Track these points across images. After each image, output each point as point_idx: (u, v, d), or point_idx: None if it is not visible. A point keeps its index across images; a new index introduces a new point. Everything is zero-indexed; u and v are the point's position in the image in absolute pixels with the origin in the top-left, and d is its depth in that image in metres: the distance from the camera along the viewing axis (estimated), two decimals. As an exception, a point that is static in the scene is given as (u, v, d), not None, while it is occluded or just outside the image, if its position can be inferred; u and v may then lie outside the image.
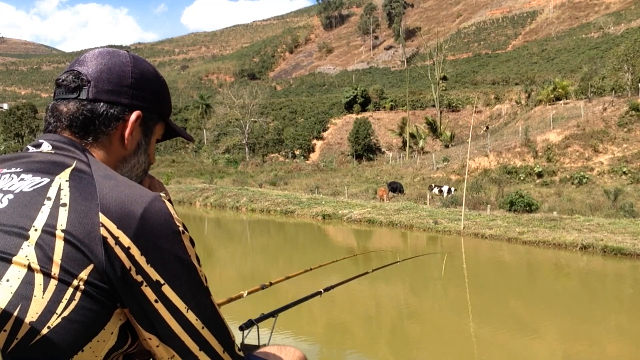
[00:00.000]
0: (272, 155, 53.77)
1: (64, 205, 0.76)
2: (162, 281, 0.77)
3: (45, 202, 0.77)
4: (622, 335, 7.56)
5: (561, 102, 39.59)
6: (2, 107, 68.70)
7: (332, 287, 1.83)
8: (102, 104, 0.90)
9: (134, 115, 0.91)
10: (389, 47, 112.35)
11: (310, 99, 69.44)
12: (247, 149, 53.46)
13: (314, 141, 54.86)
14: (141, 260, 0.76)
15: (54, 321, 0.72)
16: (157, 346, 0.79)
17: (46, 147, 0.87)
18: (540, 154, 29.10)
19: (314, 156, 52.40)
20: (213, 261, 14.26)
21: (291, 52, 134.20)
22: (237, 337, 1.53)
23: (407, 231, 17.62)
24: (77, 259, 0.74)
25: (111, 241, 0.75)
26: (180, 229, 0.80)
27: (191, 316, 0.79)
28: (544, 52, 78.68)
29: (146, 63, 0.97)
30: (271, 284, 1.81)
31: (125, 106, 0.91)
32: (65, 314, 0.72)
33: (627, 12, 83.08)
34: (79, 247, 0.74)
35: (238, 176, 38.96)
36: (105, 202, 0.77)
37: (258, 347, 1.44)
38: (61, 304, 0.72)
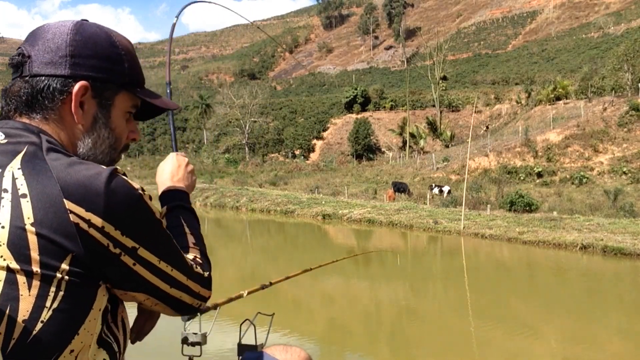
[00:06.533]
0: (272, 155, 53.72)
1: (24, 196, 0.75)
2: (137, 246, 0.81)
3: (3, 194, 0.75)
4: (622, 335, 7.56)
5: (561, 102, 39.58)
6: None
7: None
8: (43, 78, 0.85)
9: (77, 87, 0.85)
10: (389, 47, 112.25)
11: (310, 99, 69.40)
12: (247, 149, 53.42)
13: (314, 141, 54.82)
14: (116, 234, 0.78)
15: (45, 315, 0.73)
16: (133, 295, 0.85)
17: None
18: (540, 154, 29.09)
19: (314, 156, 52.37)
20: (213, 261, 14.12)
21: (291, 52, 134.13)
22: (235, 337, 1.53)
23: (407, 231, 17.61)
24: (55, 251, 0.74)
25: (84, 225, 0.75)
26: (140, 192, 0.82)
27: (162, 265, 0.85)
28: (544, 52, 78.63)
29: (97, 28, 0.90)
30: (271, 283, 1.80)
31: (67, 77, 0.85)
32: (55, 305, 0.74)
33: (627, 12, 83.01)
34: (53, 239, 0.74)
35: (238, 176, 38.95)
36: (66, 186, 0.76)
37: (255, 346, 1.44)
38: (49, 297, 0.73)
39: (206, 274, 0.96)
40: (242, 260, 14.56)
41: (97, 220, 0.76)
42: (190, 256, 0.96)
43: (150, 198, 0.85)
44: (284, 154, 53.75)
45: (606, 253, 12.55)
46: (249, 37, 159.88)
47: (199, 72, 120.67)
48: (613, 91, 34.75)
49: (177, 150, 1.24)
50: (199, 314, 1.42)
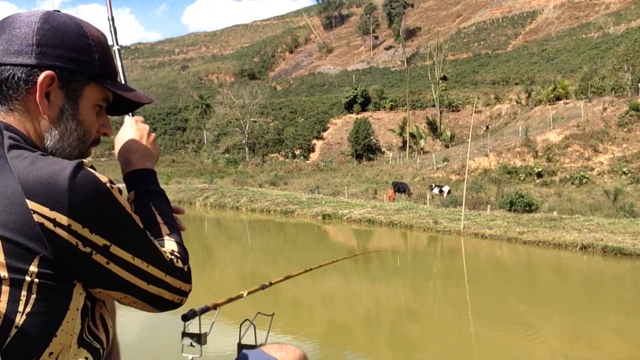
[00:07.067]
0: (272, 155, 53.74)
1: None
2: (108, 243, 0.78)
3: None
4: (622, 336, 7.56)
5: (561, 102, 39.58)
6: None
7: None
8: (7, 67, 0.82)
9: (42, 76, 0.82)
10: (389, 47, 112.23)
11: (310, 99, 69.38)
12: (247, 149, 53.44)
13: (314, 141, 54.83)
14: (85, 232, 0.75)
15: (19, 320, 0.72)
16: (108, 293, 0.83)
17: None
18: (540, 154, 29.10)
19: (314, 156, 52.36)
20: (213, 261, 14.26)
21: (291, 52, 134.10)
22: (234, 337, 1.53)
23: (407, 231, 17.62)
24: (21, 254, 0.72)
25: (49, 225, 0.72)
26: (108, 185, 0.78)
27: (137, 262, 0.82)
28: (544, 52, 78.60)
29: (67, 18, 0.88)
30: (271, 284, 1.80)
31: (33, 67, 0.82)
32: (28, 309, 0.72)
33: (627, 12, 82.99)
34: (18, 241, 0.72)
35: (238, 176, 38.95)
36: (27, 185, 0.73)
37: (255, 346, 1.44)
38: (21, 302, 0.72)
39: (186, 267, 0.92)
40: (242, 260, 14.55)
41: (62, 219, 0.73)
42: (168, 249, 0.91)
43: (120, 191, 0.82)
44: (284, 154, 53.76)
45: (606, 253, 12.55)
46: (249, 37, 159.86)
47: (199, 72, 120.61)
48: (613, 91, 34.76)
49: (133, 115, 1.09)
50: (198, 314, 1.42)
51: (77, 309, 0.77)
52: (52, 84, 0.84)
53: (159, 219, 0.96)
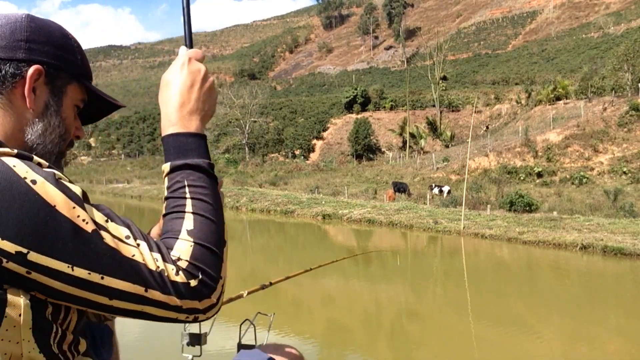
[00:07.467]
0: (272, 155, 53.72)
1: None
2: (24, 250, 0.65)
3: None
4: (622, 335, 7.56)
5: (561, 102, 39.59)
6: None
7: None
8: None
9: (31, 70, 0.81)
10: (389, 47, 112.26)
11: (310, 99, 69.41)
12: (247, 149, 53.43)
13: (314, 141, 54.82)
14: None
15: None
16: (57, 302, 0.71)
17: None
18: (540, 154, 29.11)
19: (314, 156, 52.35)
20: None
21: (291, 52, 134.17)
22: (234, 337, 1.53)
23: (407, 231, 17.62)
24: None
25: None
26: (29, 180, 0.67)
27: (81, 272, 0.67)
28: (544, 52, 78.64)
29: (49, 21, 0.89)
30: (271, 284, 1.80)
31: (22, 61, 0.82)
32: None
33: (627, 12, 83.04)
34: None
35: (238, 176, 38.95)
36: None
37: (254, 346, 1.44)
38: None
39: (194, 280, 0.72)
40: (242, 260, 14.55)
41: None
42: (175, 254, 0.73)
43: (60, 184, 0.70)
44: (284, 154, 53.74)
45: (606, 253, 12.55)
46: (249, 37, 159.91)
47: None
48: (613, 91, 34.76)
49: (191, 46, 0.91)
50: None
51: (20, 315, 0.67)
52: (39, 78, 0.83)
53: (189, 206, 0.77)
